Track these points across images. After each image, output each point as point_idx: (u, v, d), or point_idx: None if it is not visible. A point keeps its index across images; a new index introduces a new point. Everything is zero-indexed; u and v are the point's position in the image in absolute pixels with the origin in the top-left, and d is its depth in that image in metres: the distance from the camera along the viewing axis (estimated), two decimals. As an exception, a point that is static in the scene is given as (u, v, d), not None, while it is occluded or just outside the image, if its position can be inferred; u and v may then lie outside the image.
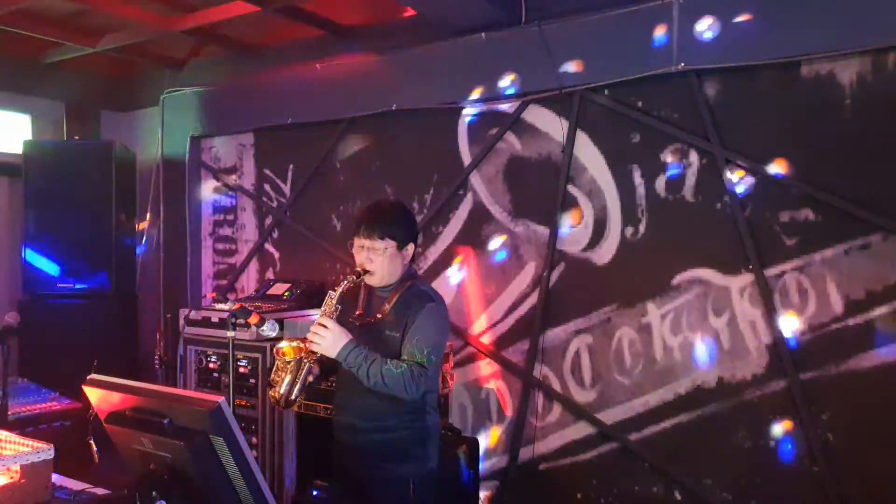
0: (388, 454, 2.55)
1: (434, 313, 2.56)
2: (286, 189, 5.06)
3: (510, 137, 4.13)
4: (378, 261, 2.55)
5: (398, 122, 4.51)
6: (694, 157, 3.62)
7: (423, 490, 2.59)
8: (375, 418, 2.54)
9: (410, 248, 2.64)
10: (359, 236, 2.58)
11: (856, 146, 3.22)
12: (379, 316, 2.58)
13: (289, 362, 2.47)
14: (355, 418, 2.59)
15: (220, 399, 1.76)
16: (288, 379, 2.46)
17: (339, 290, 2.52)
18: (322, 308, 2.53)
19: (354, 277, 2.55)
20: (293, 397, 2.47)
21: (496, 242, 4.19)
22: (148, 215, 5.57)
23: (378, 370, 2.41)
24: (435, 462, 2.66)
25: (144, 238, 5.60)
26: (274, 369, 2.51)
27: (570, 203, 3.95)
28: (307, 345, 2.45)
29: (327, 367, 2.64)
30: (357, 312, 2.61)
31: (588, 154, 3.91)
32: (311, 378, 2.52)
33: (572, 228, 3.94)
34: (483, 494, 4.08)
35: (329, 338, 2.42)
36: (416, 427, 2.59)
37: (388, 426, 2.54)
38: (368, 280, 2.59)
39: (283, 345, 2.49)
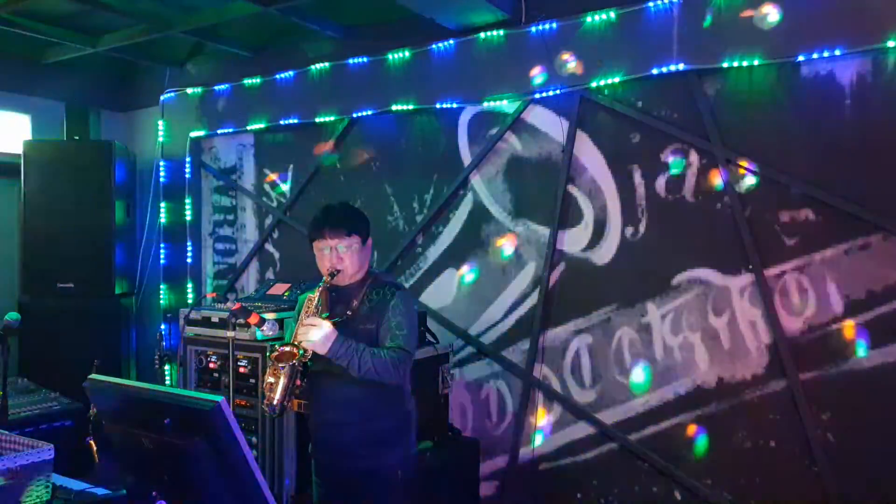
0: (375, 443, 2.61)
1: (404, 300, 2.67)
2: (286, 189, 5.06)
3: (510, 137, 4.13)
4: (348, 258, 2.63)
5: (398, 122, 4.52)
6: (694, 157, 3.62)
7: (409, 476, 2.68)
8: (363, 410, 2.60)
9: (370, 241, 2.75)
10: (324, 238, 2.63)
11: (856, 146, 3.22)
12: (349, 313, 2.63)
13: (283, 367, 2.48)
14: (342, 414, 2.63)
15: (220, 399, 1.76)
16: (282, 385, 2.47)
17: (318, 292, 2.59)
18: (304, 311, 2.60)
19: (329, 279, 2.61)
20: (286, 403, 2.49)
21: (496, 242, 4.19)
22: (147, 215, 5.57)
23: (369, 358, 2.49)
24: (416, 448, 2.76)
25: (144, 238, 5.60)
26: (266, 380, 2.51)
27: (570, 203, 3.95)
28: (300, 344, 2.48)
29: (302, 370, 2.65)
30: (324, 313, 2.62)
31: (588, 154, 3.91)
32: (298, 382, 2.54)
33: (572, 228, 3.94)
34: (483, 494, 4.08)
35: (320, 335, 2.47)
36: (399, 414, 2.68)
37: (376, 416, 2.61)
38: (338, 279, 2.65)
39: (279, 350, 2.50)
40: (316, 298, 2.58)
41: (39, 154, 5.16)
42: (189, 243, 5.48)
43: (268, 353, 2.60)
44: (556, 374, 3.99)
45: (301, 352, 2.48)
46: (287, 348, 2.50)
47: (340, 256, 2.62)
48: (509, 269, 4.14)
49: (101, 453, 2.85)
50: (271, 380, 2.49)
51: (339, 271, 2.62)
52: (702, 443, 3.57)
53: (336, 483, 2.69)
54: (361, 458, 2.61)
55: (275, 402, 2.46)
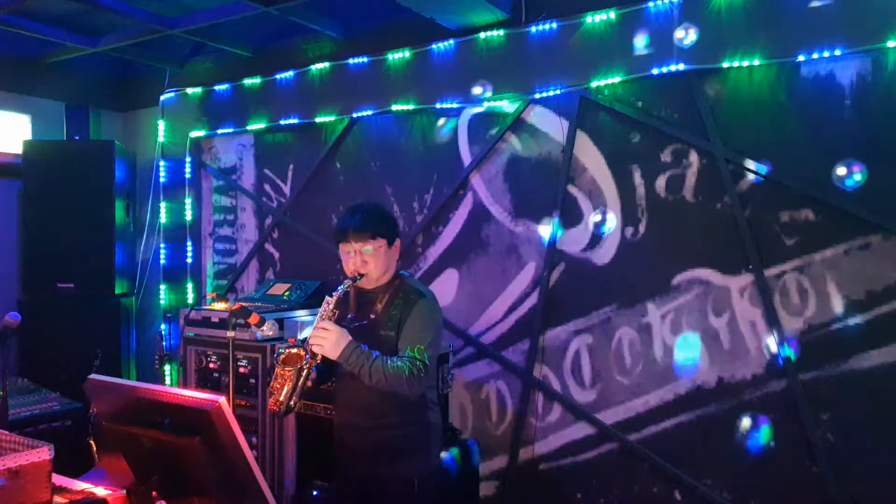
0: (392, 452, 2.57)
1: (427, 309, 2.59)
2: (286, 189, 5.06)
3: (510, 137, 4.13)
4: (372, 262, 2.59)
5: (398, 122, 4.52)
6: (694, 157, 3.62)
7: (427, 487, 2.61)
8: (379, 416, 2.57)
9: (397, 244, 2.69)
10: (348, 241, 2.60)
11: (856, 146, 3.22)
12: (372, 316, 2.60)
13: (289, 369, 2.45)
14: (359, 418, 2.60)
15: (220, 399, 1.76)
16: (288, 386, 2.43)
17: (337, 294, 2.54)
18: (320, 312, 2.54)
19: (350, 282, 2.57)
20: (293, 404, 2.45)
21: (496, 242, 4.19)
22: (148, 215, 5.57)
23: (380, 368, 2.44)
24: (438, 458, 2.70)
25: (144, 238, 5.60)
26: (273, 377, 2.49)
27: (570, 203, 3.95)
28: (310, 348, 2.45)
29: (325, 370, 2.63)
30: (349, 315, 2.61)
31: (588, 154, 3.91)
32: (309, 384, 2.50)
33: (572, 228, 3.94)
34: (483, 494, 4.08)
35: (331, 340, 2.43)
36: (419, 424, 2.62)
37: (392, 423, 2.57)
38: (362, 282, 2.61)
39: (285, 352, 2.49)
40: (333, 301, 2.53)
41: (39, 154, 5.16)
42: (189, 243, 5.48)
43: (276, 355, 2.56)
44: (556, 374, 3.99)
45: (308, 355, 2.45)
46: (294, 350, 2.47)
47: (364, 260, 2.58)
48: (509, 269, 4.14)
49: (101, 453, 2.85)
50: (279, 380, 2.45)
51: (362, 275, 2.59)
52: (702, 443, 3.57)
53: (351, 487, 2.67)
54: (377, 465, 2.58)
55: (280, 401, 2.43)
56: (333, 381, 2.75)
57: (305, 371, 2.46)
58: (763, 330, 3.43)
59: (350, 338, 2.46)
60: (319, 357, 2.46)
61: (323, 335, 2.44)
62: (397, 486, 2.56)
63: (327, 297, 2.56)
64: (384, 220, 2.67)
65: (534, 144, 4.07)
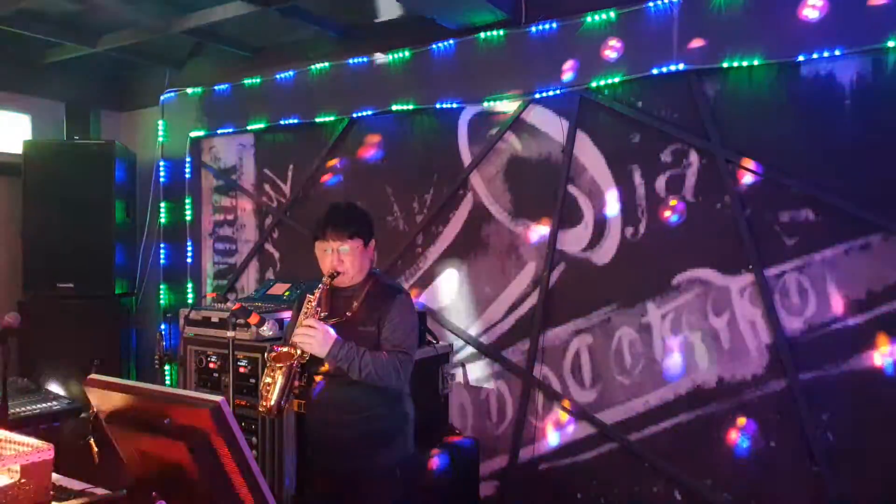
0: (373, 442, 2.62)
1: (405, 303, 2.67)
2: (286, 189, 5.06)
3: (510, 137, 4.13)
4: (349, 260, 2.63)
5: (398, 121, 4.51)
6: (694, 157, 3.62)
7: (407, 473, 2.68)
8: (360, 410, 2.61)
9: (373, 244, 2.74)
10: (326, 240, 2.64)
11: (856, 146, 3.22)
12: (349, 314, 2.63)
13: (280, 368, 2.47)
14: (340, 413, 2.64)
15: (220, 399, 1.76)
16: (279, 386, 2.46)
17: (318, 293, 2.59)
18: (303, 312, 2.59)
19: (329, 280, 2.61)
20: (284, 404, 2.47)
21: (496, 242, 4.18)
22: (148, 215, 5.57)
23: (369, 362, 2.50)
24: (413, 447, 2.76)
25: (144, 238, 5.60)
26: (263, 381, 2.50)
27: (570, 203, 3.95)
28: (298, 346, 2.47)
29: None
30: (323, 314, 2.63)
31: (588, 154, 3.91)
32: (296, 383, 2.53)
33: (572, 228, 3.94)
34: (483, 494, 4.08)
35: (318, 337, 2.47)
36: (397, 413, 2.69)
37: (373, 415, 2.62)
38: (339, 281, 2.65)
39: (277, 350, 2.50)
40: (315, 299, 2.58)
41: (39, 154, 5.15)
42: (189, 243, 5.48)
43: (267, 352, 2.58)
44: (556, 374, 3.99)
45: (299, 352, 2.48)
46: (285, 349, 2.49)
47: (341, 258, 2.62)
48: (509, 269, 4.14)
49: (101, 453, 2.85)
50: (268, 380, 2.47)
51: (339, 273, 2.63)
52: (702, 443, 3.57)
53: (334, 483, 2.69)
54: (359, 458, 2.62)
55: (271, 403, 2.45)
56: (304, 380, 2.76)
57: (294, 369, 2.48)
58: (763, 330, 3.44)
59: (336, 335, 2.50)
60: (307, 355, 2.49)
61: (310, 333, 2.47)
62: (380, 476, 2.62)
63: (309, 296, 2.61)
64: (362, 220, 2.71)
65: (534, 144, 4.07)
